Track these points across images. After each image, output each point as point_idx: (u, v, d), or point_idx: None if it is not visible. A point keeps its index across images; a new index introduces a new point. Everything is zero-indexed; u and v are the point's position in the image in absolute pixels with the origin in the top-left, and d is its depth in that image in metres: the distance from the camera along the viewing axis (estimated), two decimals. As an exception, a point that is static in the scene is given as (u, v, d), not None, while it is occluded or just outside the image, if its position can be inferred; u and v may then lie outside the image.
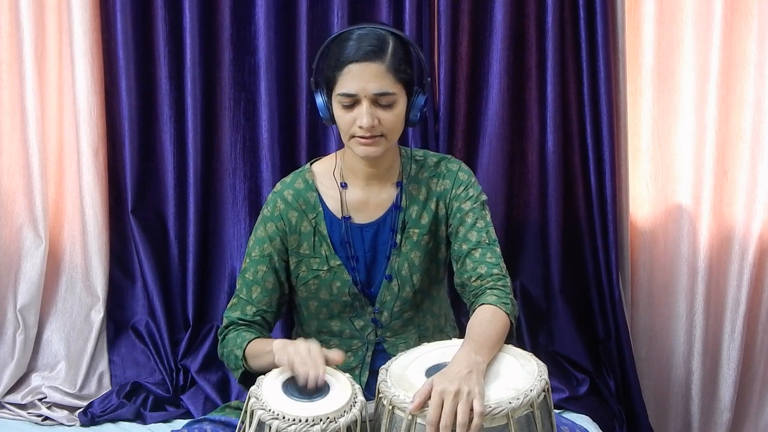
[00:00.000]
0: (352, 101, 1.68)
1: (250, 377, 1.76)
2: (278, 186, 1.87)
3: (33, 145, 2.32)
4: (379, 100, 1.68)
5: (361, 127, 1.68)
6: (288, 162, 2.35)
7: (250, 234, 1.88)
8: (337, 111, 1.71)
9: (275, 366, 1.62)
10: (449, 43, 2.34)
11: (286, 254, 1.84)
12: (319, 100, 1.74)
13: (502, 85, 2.36)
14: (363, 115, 1.67)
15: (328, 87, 1.72)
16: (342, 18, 2.31)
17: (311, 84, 1.78)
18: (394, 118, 1.70)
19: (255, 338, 1.76)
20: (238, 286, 1.84)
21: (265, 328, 1.82)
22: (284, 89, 2.36)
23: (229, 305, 1.84)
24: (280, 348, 1.61)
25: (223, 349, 1.80)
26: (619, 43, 2.39)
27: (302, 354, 1.55)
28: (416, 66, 1.77)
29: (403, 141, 2.28)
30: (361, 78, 1.66)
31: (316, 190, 1.84)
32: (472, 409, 1.40)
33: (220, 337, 1.83)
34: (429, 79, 1.79)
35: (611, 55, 2.37)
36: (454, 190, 1.84)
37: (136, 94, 2.36)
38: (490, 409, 1.40)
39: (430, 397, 1.44)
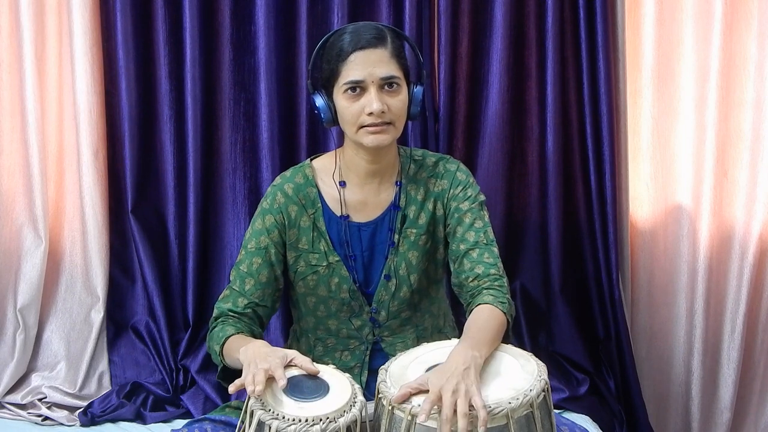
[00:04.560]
0: (359, 89, 1.68)
1: (229, 374, 1.74)
2: (278, 180, 1.87)
3: (33, 145, 2.32)
4: (385, 86, 1.68)
5: (370, 114, 1.68)
6: (288, 162, 2.35)
7: None
8: (343, 103, 1.70)
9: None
10: (449, 43, 2.34)
11: (283, 248, 1.83)
12: (320, 101, 1.74)
13: (502, 85, 2.36)
14: (372, 101, 1.67)
15: (329, 84, 1.72)
16: (342, 18, 2.31)
17: (308, 86, 1.77)
18: (400, 104, 1.71)
19: (234, 335, 1.73)
20: (231, 278, 1.84)
21: (255, 321, 1.81)
22: (284, 89, 2.36)
23: (221, 296, 1.84)
24: (245, 358, 1.56)
25: (210, 342, 1.80)
26: (619, 43, 2.39)
27: (256, 364, 1.51)
28: (412, 56, 1.78)
29: (403, 140, 2.28)
30: (366, 64, 1.67)
31: (316, 186, 1.84)
32: (471, 407, 1.40)
33: (210, 327, 1.82)
34: (425, 72, 1.80)
35: (611, 55, 2.37)
36: (452, 190, 1.84)
37: (136, 94, 2.36)
38: (490, 408, 1.40)
39: (415, 392, 1.44)
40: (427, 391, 1.43)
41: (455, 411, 1.38)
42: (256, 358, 1.53)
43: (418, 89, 1.76)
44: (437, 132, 2.40)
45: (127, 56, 2.32)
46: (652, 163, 2.49)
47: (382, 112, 1.68)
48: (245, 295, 1.81)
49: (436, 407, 1.41)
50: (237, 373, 1.75)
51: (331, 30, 2.29)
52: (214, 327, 1.80)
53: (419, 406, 1.43)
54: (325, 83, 1.73)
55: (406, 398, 1.44)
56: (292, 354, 1.57)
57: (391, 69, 1.69)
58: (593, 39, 2.36)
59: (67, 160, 2.41)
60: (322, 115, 1.75)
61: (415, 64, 1.82)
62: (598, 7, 2.33)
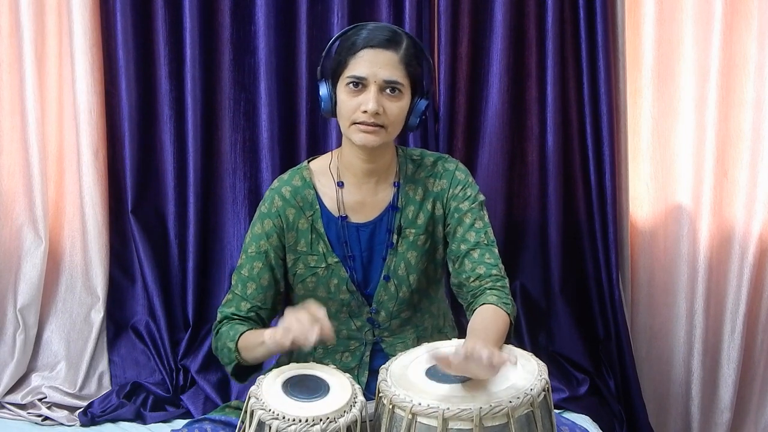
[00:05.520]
0: (361, 86, 1.68)
1: (242, 371, 1.78)
2: (276, 183, 1.87)
3: (33, 145, 2.32)
4: (386, 89, 1.68)
5: (364, 112, 1.68)
6: (288, 162, 2.35)
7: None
8: (342, 96, 1.71)
9: (269, 356, 1.63)
10: (449, 43, 2.34)
11: (282, 251, 1.84)
12: (323, 89, 1.74)
13: (502, 85, 2.36)
14: (369, 101, 1.67)
15: (336, 74, 1.72)
16: (342, 18, 2.31)
17: (317, 73, 1.78)
18: (398, 110, 1.71)
19: (248, 330, 1.76)
20: (233, 282, 1.84)
21: (259, 324, 1.82)
22: (284, 89, 2.36)
23: (223, 301, 1.85)
24: (277, 329, 1.57)
25: (217, 343, 1.81)
26: (619, 43, 2.39)
27: (301, 321, 1.54)
28: (425, 69, 1.78)
29: (403, 140, 2.28)
30: (373, 63, 1.68)
31: (314, 188, 1.84)
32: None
33: (213, 332, 1.83)
34: (433, 87, 1.80)
35: (611, 55, 2.37)
36: (451, 190, 1.84)
37: (136, 94, 2.36)
38: (490, 407, 1.40)
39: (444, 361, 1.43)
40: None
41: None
42: (297, 314, 1.54)
43: (422, 102, 1.76)
44: (437, 132, 2.40)
45: (127, 56, 2.32)
46: (652, 163, 2.50)
47: (377, 113, 1.68)
48: (247, 299, 1.81)
49: (434, 406, 1.41)
50: (251, 368, 1.76)
51: (331, 31, 2.32)
52: (220, 328, 1.81)
53: (420, 404, 1.43)
54: (332, 73, 1.74)
55: (444, 359, 1.43)
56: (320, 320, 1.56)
57: (396, 74, 1.69)
58: (593, 39, 2.36)
59: (67, 160, 2.41)
60: (323, 104, 1.75)
61: (426, 75, 1.82)
62: (598, 7, 2.33)
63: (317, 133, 2.40)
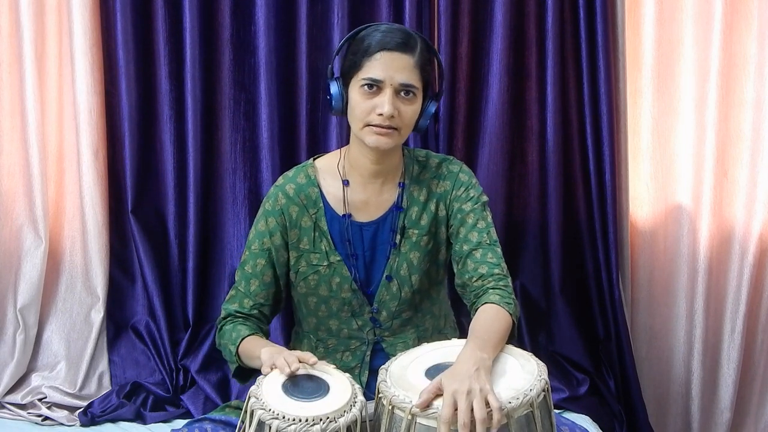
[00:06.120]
0: (376, 88, 1.68)
1: (244, 371, 1.79)
2: (280, 180, 1.87)
3: (33, 145, 2.32)
4: (401, 92, 1.69)
5: (380, 115, 1.68)
6: (288, 162, 2.35)
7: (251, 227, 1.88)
8: (356, 97, 1.71)
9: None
10: (449, 43, 2.34)
11: (285, 249, 1.84)
12: (335, 88, 1.74)
13: (502, 85, 2.36)
14: (385, 104, 1.67)
15: (349, 74, 1.72)
16: (342, 18, 2.31)
17: (328, 71, 1.77)
18: (411, 113, 1.72)
19: (249, 335, 1.76)
20: (236, 278, 1.85)
21: (262, 321, 1.84)
22: (284, 89, 2.36)
23: (227, 297, 1.86)
24: (267, 359, 1.60)
25: (221, 340, 1.82)
26: (619, 43, 2.39)
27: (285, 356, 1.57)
28: (438, 74, 1.78)
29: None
30: (390, 66, 1.68)
31: (318, 186, 1.84)
32: (487, 405, 1.40)
33: (217, 327, 1.85)
34: (443, 90, 1.80)
35: (611, 55, 2.37)
36: (454, 192, 1.84)
37: (136, 94, 2.36)
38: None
39: (436, 396, 1.43)
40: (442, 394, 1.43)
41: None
42: (282, 351, 1.60)
43: (432, 105, 1.77)
44: (437, 132, 2.40)
45: (127, 56, 2.32)
46: (652, 163, 2.50)
47: (392, 116, 1.68)
48: (250, 297, 1.82)
49: (434, 407, 1.42)
50: (253, 370, 1.77)
51: (331, 31, 2.31)
52: (223, 326, 1.82)
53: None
54: (345, 73, 1.74)
55: (428, 404, 1.43)
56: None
57: (412, 78, 1.69)
58: (593, 39, 2.36)
59: (67, 160, 2.41)
60: (333, 103, 1.75)
61: (438, 79, 1.82)
62: (598, 7, 2.33)
63: (317, 133, 2.40)
